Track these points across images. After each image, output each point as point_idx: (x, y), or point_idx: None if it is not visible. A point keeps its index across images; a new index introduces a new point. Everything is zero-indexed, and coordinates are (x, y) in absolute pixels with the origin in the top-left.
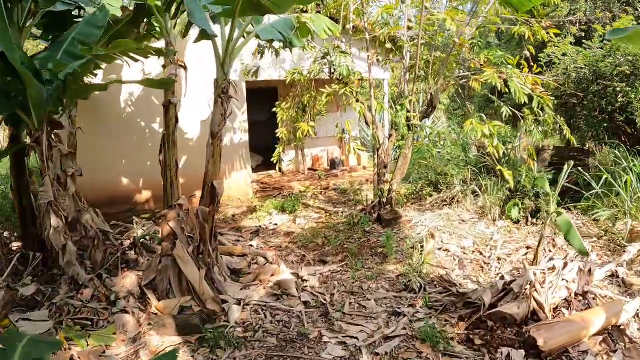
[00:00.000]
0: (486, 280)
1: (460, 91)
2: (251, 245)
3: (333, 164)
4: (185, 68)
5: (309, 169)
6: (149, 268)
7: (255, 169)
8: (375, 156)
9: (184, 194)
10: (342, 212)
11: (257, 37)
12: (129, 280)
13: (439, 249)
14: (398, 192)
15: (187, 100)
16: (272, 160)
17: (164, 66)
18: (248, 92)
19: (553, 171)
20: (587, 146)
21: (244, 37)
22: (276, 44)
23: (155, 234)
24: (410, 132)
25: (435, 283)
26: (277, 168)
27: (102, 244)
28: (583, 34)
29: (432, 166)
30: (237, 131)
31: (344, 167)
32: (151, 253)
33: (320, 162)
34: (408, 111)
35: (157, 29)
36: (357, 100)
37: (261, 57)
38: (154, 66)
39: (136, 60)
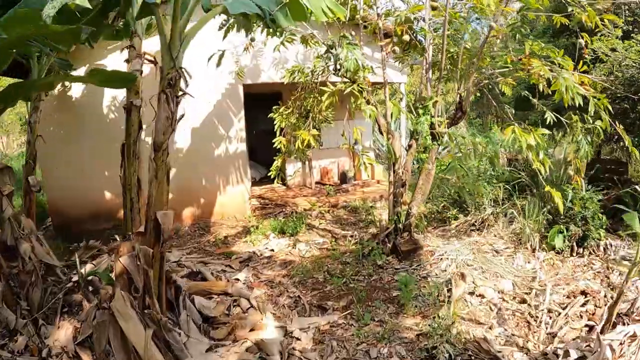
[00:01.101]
0: (537, 346)
1: (482, 95)
2: (237, 280)
3: (344, 177)
4: (154, 63)
5: (317, 183)
6: (85, 320)
7: (259, 182)
8: (391, 172)
9: (174, 210)
10: (351, 237)
11: (225, 11)
12: (63, 333)
13: (471, 293)
14: (418, 215)
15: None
16: (268, 174)
17: (127, 60)
18: (249, 97)
19: (593, 188)
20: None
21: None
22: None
23: (104, 273)
24: (435, 142)
25: (469, 352)
26: (277, 182)
27: (40, 281)
28: (630, 27)
29: (457, 182)
30: (233, 140)
31: (356, 180)
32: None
33: (330, 175)
34: (432, 117)
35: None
36: (368, 102)
37: (224, 37)
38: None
39: None
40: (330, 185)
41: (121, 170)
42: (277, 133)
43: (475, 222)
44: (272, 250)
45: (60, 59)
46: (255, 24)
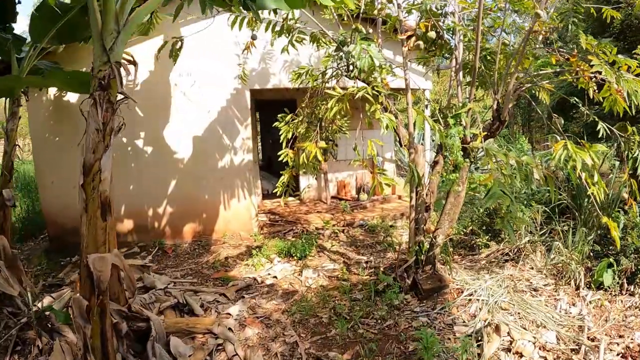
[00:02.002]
0: None
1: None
2: (229, 315)
3: (362, 192)
4: (134, 63)
5: (333, 197)
6: None
7: (271, 195)
8: (413, 194)
9: (171, 228)
10: (365, 263)
11: None
12: None
13: (506, 349)
14: (443, 245)
15: (175, 111)
16: (274, 191)
17: (132, 63)
18: (261, 105)
19: None
20: None
21: None
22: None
23: (59, 312)
24: (468, 159)
25: None
26: (285, 198)
27: None
28: None
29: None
30: (239, 150)
31: (375, 196)
32: (57, 333)
33: (347, 189)
34: (464, 128)
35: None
36: (385, 109)
37: (202, 10)
38: None
39: None
40: (346, 200)
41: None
42: (284, 144)
43: (510, 251)
44: (275, 277)
45: (50, 61)
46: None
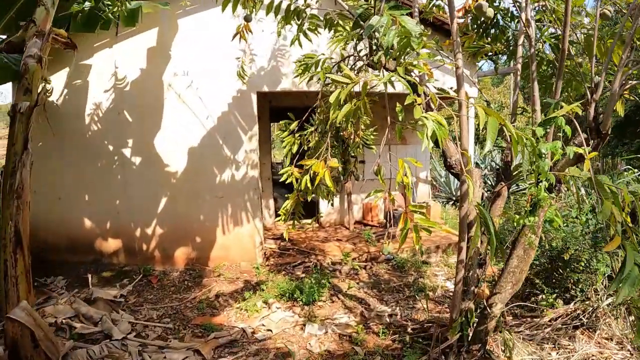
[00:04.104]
0: None
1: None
2: None
3: (391, 217)
4: (71, 46)
5: (357, 222)
6: None
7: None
8: (463, 244)
9: (161, 253)
10: (389, 317)
11: None
12: None
13: None
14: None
15: (169, 117)
16: (277, 218)
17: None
18: (278, 112)
19: None
20: None
21: None
22: None
23: None
24: (553, 193)
25: None
26: (286, 235)
27: None
28: None
29: (548, 245)
30: (242, 165)
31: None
32: None
33: (374, 212)
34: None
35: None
36: (428, 109)
37: None
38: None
39: None
40: (372, 226)
41: None
42: (287, 159)
43: (584, 313)
44: (270, 330)
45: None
46: None
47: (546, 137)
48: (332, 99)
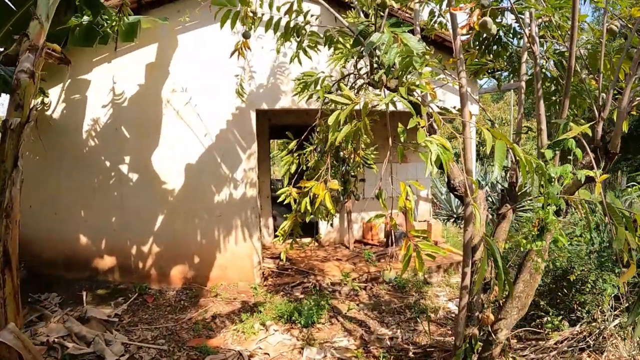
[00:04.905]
0: None
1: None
2: None
3: (391, 238)
4: (64, 61)
5: (357, 242)
6: None
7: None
8: (467, 270)
9: (157, 271)
10: (389, 341)
11: None
12: None
13: None
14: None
15: (166, 133)
16: (276, 237)
17: None
18: (278, 130)
19: None
20: None
21: None
22: None
23: None
24: (561, 216)
25: None
26: (283, 256)
27: None
28: None
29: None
30: (240, 184)
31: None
32: None
33: (374, 232)
34: (573, 164)
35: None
36: (431, 130)
37: None
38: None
39: None
40: (373, 246)
41: None
42: (285, 180)
43: (590, 335)
44: (267, 353)
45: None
46: None
47: (554, 159)
48: (330, 120)
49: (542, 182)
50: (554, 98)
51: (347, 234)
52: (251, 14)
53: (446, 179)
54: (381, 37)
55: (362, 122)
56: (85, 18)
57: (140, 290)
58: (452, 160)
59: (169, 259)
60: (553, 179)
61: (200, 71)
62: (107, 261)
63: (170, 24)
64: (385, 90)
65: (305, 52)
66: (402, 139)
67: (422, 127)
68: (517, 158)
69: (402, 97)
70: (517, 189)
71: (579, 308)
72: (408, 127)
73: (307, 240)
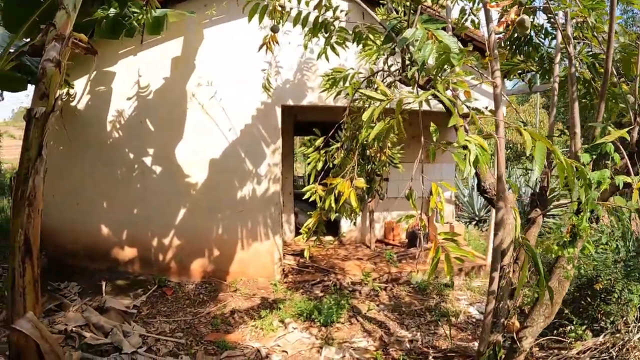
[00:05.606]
0: None
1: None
2: None
3: (413, 238)
4: (91, 51)
5: (379, 241)
6: None
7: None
8: (495, 274)
9: (177, 264)
10: (409, 345)
11: None
12: None
13: None
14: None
15: (191, 127)
16: (298, 235)
17: None
18: (300, 126)
19: None
20: None
21: None
22: None
23: None
24: (594, 223)
25: None
26: (307, 254)
27: None
28: None
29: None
30: (264, 179)
31: (431, 243)
32: None
33: (396, 232)
34: (612, 169)
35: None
36: (469, 126)
37: None
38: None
39: None
40: (394, 246)
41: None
42: (312, 177)
43: (613, 346)
44: (285, 351)
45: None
46: None
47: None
48: (365, 116)
49: (581, 187)
50: (584, 101)
51: (368, 233)
52: (279, 8)
53: (476, 181)
54: (415, 33)
55: (396, 119)
56: (112, 10)
57: (160, 282)
58: (489, 161)
59: (190, 253)
60: (592, 184)
61: (226, 65)
62: (128, 252)
63: (197, 18)
64: (418, 88)
65: (333, 48)
66: (434, 138)
67: (461, 126)
68: (557, 161)
69: (441, 94)
70: (547, 193)
71: (603, 318)
72: (449, 126)
73: (328, 238)
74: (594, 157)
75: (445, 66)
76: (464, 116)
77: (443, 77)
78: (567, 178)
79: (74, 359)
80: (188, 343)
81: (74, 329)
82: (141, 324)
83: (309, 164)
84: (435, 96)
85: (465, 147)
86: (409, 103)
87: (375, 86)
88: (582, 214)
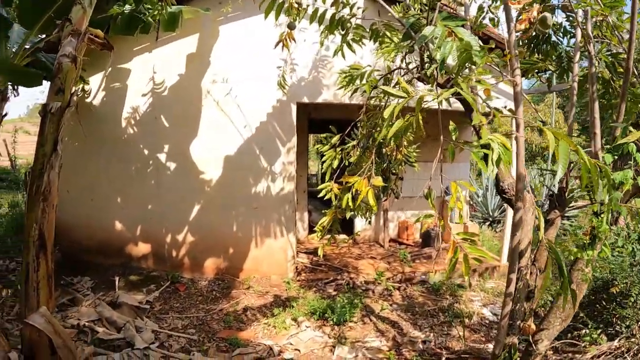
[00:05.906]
0: None
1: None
2: None
3: (427, 237)
4: (107, 47)
5: (393, 240)
6: None
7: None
8: (513, 276)
9: (190, 260)
10: (422, 345)
11: None
12: None
13: None
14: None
15: (205, 124)
16: (312, 233)
17: None
18: (315, 123)
19: None
20: None
21: None
22: None
23: None
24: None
25: None
26: (321, 252)
27: None
28: None
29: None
30: (279, 177)
31: (444, 243)
32: None
33: (410, 231)
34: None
35: None
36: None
37: None
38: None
39: None
40: (408, 246)
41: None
42: (327, 175)
43: (628, 351)
44: (298, 350)
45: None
46: None
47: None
48: (386, 114)
49: (604, 188)
50: (602, 101)
51: (382, 233)
52: (296, 5)
53: (490, 181)
54: (434, 30)
55: (416, 117)
56: (127, 7)
57: (173, 278)
58: (511, 161)
59: (203, 249)
60: (616, 185)
61: (241, 62)
62: (142, 248)
63: (212, 15)
64: (437, 86)
65: (349, 45)
66: (453, 137)
67: (483, 125)
68: (582, 161)
69: (465, 92)
70: (566, 194)
71: (618, 322)
72: (472, 124)
73: (341, 236)
74: (615, 157)
75: (468, 64)
76: (485, 115)
77: (464, 76)
78: (590, 178)
79: (86, 353)
80: (200, 339)
81: (86, 323)
82: (154, 320)
83: (323, 162)
84: (455, 94)
85: (486, 146)
86: (428, 101)
87: (394, 83)
88: (602, 215)
